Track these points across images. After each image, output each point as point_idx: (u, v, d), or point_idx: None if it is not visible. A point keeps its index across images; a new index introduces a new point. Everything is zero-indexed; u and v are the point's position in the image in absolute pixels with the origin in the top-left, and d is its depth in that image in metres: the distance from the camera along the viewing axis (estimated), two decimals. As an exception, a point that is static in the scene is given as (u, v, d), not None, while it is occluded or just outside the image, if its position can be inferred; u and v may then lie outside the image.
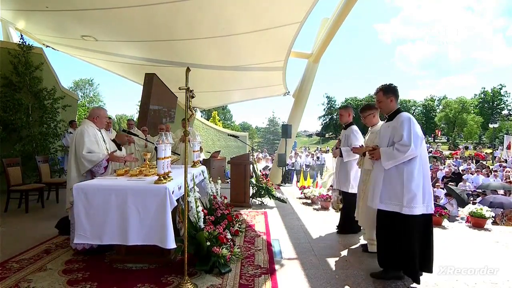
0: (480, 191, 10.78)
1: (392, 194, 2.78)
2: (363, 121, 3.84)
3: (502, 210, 7.60)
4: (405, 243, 2.73)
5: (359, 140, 4.15)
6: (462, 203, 8.47)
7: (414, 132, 2.72)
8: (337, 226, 4.51)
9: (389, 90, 2.96)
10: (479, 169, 13.92)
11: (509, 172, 12.85)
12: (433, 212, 2.83)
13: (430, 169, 14.53)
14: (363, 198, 3.57)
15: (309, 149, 26.07)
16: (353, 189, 4.17)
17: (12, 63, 6.98)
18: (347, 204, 4.30)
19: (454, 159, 20.04)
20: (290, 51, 8.05)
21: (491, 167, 15.89)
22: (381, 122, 3.53)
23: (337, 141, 4.67)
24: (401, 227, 2.75)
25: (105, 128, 4.13)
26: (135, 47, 8.25)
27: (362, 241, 3.96)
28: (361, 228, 4.21)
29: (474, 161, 18.48)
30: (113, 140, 4.15)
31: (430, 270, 2.79)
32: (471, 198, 10.11)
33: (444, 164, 16.20)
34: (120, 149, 4.17)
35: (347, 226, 4.32)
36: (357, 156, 3.91)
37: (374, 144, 3.20)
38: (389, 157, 2.79)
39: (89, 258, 3.25)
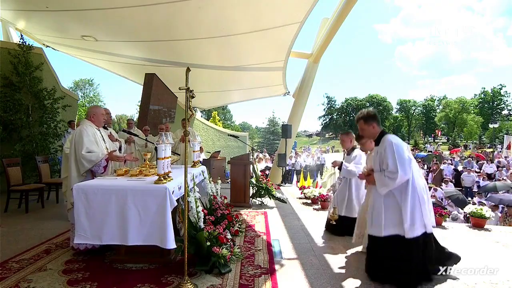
0: (481, 192, 10.77)
1: (395, 218, 2.78)
2: (361, 149, 3.89)
3: (505, 209, 7.61)
4: (406, 265, 2.72)
5: (363, 163, 4.06)
6: (461, 204, 8.48)
7: (399, 157, 2.72)
8: (327, 225, 4.45)
9: (369, 118, 3.02)
10: (478, 172, 13.96)
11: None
12: (432, 231, 2.82)
13: (430, 169, 14.60)
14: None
15: (309, 149, 26.08)
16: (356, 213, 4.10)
17: (12, 63, 6.98)
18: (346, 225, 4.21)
19: (453, 159, 20.02)
20: (290, 51, 8.06)
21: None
22: None
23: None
24: (403, 249, 2.73)
25: (106, 124, 4.14)
26: (135, 47, 8.25)
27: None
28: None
29: (475, 161, 18.47)
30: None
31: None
32: (469, 199, 10.13)
33: (443, 164, 16.19)
34: (106, 128, 4.23)
35: (344, 228, 4.26)
36: (354, 173, 4.00)
37: (370, 168, 3.20)
38: (382, 183, 2.82)
39: (89, 258, 3.25)
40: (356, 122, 3.13)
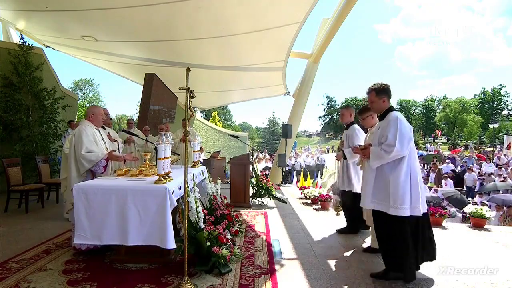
0: (482, 192, 10.77)
1: (382, 194, 2.80)
2: (361, 123, 3.86)
3: (505, 209, 7.61)
4: (396, 243, 2.75)
5: (361, 139, 4.06)
6: (459, 204, 8.47)
7: (400, 132, 2.69)
8: (338, 230, 4.41)
9: (381, 91, 2.93)
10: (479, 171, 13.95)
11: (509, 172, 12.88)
12: (420, 214, 2.75)
13: (430, 169, 14.62)
14: None
15: (309, 149, 26.06)
16: (356, 189, 4.14)
17: (12, 63, 6.98)
18: (349, 204, 4.27)
19: (453, 159, 20.00)
20: (290, 51, 8.07)
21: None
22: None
23: (339, 142, 4.62)
24: (391, 227, 2.77)
25: (105, 124, 4.14)
26: (135, 47, 8.26)
27: (366, 244, 3.91)
28: (361, 229, 4.27)
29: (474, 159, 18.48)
30: None
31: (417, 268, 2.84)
32: (469, 199, 10.12)
33: (443, 163, 16.20)
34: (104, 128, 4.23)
35: (348, 226, 4.31)
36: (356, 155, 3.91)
37: (367, 143, 3.20)
38: (376, 156, 2.80)
39: (89, 258, 3.24)
40: (367, 93, 3.03)
